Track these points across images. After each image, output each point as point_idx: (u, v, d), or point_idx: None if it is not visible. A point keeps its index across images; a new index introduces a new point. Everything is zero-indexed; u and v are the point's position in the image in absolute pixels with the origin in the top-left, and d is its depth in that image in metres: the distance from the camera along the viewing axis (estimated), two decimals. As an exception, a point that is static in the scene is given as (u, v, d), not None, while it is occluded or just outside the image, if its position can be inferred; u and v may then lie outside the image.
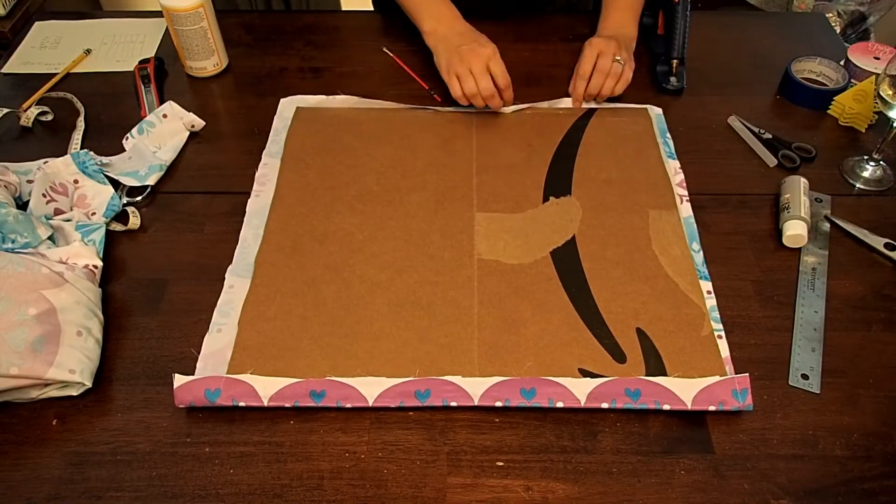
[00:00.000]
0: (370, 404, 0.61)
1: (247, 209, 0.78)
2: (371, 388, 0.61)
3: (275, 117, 0.90)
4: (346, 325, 0.67)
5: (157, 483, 0.57)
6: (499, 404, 0.61)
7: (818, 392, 0.63)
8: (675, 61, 0.95)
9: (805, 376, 0.64)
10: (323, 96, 0.92)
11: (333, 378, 0.62)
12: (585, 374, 0.63)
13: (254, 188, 0.80)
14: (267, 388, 0.61)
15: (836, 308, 0.70)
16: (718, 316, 0.68)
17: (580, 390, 0.61)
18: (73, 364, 0.61)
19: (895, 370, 0.65)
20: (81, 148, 0.85)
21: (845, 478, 0.58)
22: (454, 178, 0.81)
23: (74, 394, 0.62)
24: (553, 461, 0.59)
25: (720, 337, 0.66)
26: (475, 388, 0.61)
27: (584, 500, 0.56)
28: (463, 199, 0.79)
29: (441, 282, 0.70)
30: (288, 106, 0.91)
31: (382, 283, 0.70)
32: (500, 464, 0.59)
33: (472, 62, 0.85)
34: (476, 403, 0.61)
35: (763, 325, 0.68)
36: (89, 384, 0.62)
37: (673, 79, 0.94)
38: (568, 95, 0.92)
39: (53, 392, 0.62)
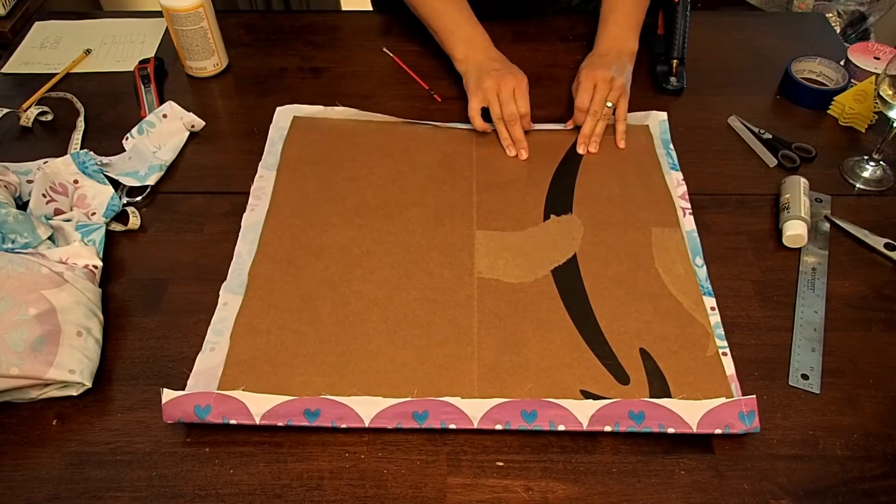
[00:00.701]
0: (366, 425, 0.60)
1: (242, 223, 0.76)
2: (367, 409, 0.61)
3: (271, 126, 0.88)
4: (342, 343, 0.66)
5: (157, 483, 0.57)
6: (499, 427, 0.60)
7: (818, 392, 0.63)
8: (674, 61, 0.95)
9: (805, 376, 0.64)
10: (321, 107, 0.90)
11: (328, 397, 0.61)
12: (587, 395, 0.62)
13: (249, 202, 0.79)
14: (259, 406, 0.60)
15: (836, 308, 0.70)
16: (723, 333, 0.67)
17: (582, 413, 0.60)
18: (73, 364, 0.61)
19: (895, 370, 0.65)
20: (81, 148, 0.85)
21: (845, 478, 0.58)
22: (454, 194, 0.80)
23: (74, 394, 0.62)
24: (553, 461, 0.59)
25: (725, 354, 0.65)
26: (475, 410, 0.61)
27: (584, 500, 0.56)
28: (463, 217, 0.78)
29: (440, 300, 0.70)
30: (284, 115, 0.90)
31: (380, 301, 0.69)
32: (500, 464, 0.59)
33: (500, 87, 0.84)
34: (476, 426, 0.60)
35: (763, 325, 0.68)
36: (89, 384, 0.62)
37: (673, 79, 0.94)
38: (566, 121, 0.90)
39: (53, 392, 0.62)
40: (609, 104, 0.86)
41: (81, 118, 0.89)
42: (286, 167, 0.83)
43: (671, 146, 0.86)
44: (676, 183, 0.82)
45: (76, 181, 0.77)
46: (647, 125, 0.89)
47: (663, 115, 0.90)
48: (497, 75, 0.85)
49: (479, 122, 0.86)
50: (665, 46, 0.96)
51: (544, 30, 1.05)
